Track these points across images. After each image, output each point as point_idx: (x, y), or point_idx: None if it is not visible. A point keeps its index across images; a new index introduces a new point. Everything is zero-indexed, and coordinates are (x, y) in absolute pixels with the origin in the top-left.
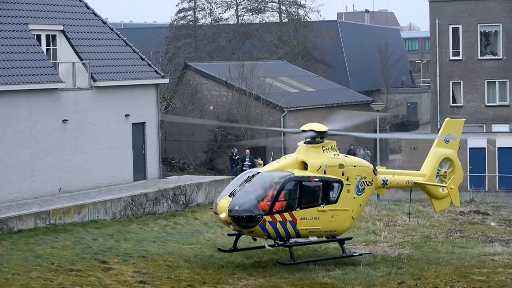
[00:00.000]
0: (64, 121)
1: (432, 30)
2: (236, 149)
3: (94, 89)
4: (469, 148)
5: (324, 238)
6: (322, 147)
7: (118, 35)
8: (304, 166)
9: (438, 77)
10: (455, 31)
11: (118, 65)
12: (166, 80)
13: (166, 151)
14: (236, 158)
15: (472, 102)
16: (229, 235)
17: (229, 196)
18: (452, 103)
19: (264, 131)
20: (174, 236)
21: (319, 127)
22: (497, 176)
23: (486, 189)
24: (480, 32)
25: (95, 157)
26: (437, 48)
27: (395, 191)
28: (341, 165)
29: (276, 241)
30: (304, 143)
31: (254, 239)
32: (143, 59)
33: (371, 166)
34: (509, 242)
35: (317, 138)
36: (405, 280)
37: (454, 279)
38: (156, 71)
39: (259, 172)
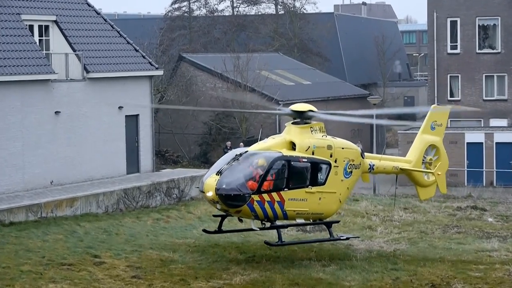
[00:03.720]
0: (57, 113)
1: (429, 23)
2: (230, 143)
3: (87, 80)
4: (467, 143)
5: (311, 221)
6: (310, 127)
7: (111, 26)
8: (292, 146)
9: (435, 70)
10: (453, 24)
11: (112, 56)
12: (160, 72)
13: (160, 144)
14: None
15: (470, 96)
16: (214, 216)
17: (216, 174)
18: (450, 97)
19: (260, 124)
20: (167, 230)
21: (306, 107)
22: (495, 172)
23: (484, 185)
24: (479, 25)
25: (88, 150)
26: (435, 41)
27: (390, 186)
28: (329, 147)
29: (263, 222)
30: (292, 123)
31: (240, 220)
32: (137, 51)
33: (358, 149)
34: (507, 238)
35: (305, 119)
36: (400, 276)
37: (451, 276)
38: (150, 62)
39: (247, 151)
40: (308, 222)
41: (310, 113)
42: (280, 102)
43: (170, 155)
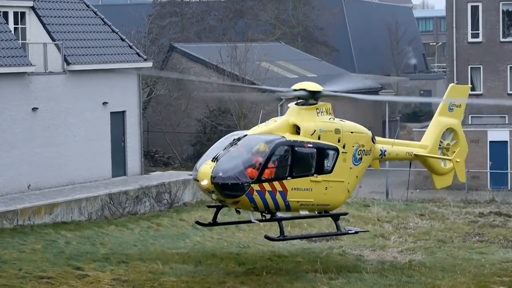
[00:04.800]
0: (34, 109)
1: (448, 8)
2: None
3: (68, 73)
4: (490, 142)
5: (316, 213)
6: (316, 109)
7: (95, 13)
8: (296, 130)
9: (455, 61)
10: (474, 9)
11: (95, 46)
12: (149, 64)
13: (149, 143)
14: None
15: (493, 89)
16: (208, 207)
17: (212, 161)
18: (471, 90)
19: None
20: (157, 240)
21: (312, 86)
22: None
23: (509, 188)
24: (503, 10)
25: (69, 150)
26: (454, 29)
27: (405, 190)
28: (337, 131)
29: (264, 214)
30: (296, 104)
31: (238, 212)
32: (123, 40)
33: (369, 133)
34: None
35: (310, 99)
36: None
37: None
38: (137, 53)
39: (246, 135)
40: (313, 214)
41: (326, 92)
42: (282, 97)
43: (160, 156)
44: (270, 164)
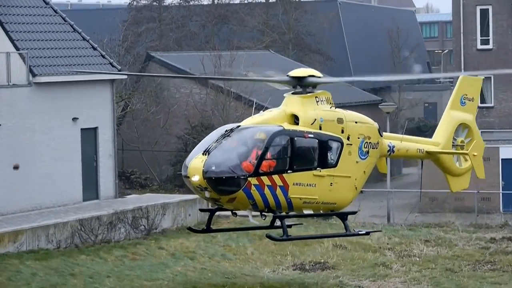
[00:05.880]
0: None
1: (455, 12)
2: None
3: (33, 86)
4: (502, 159)
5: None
6: (316, 97)
7: (63, 19)
8: (295, 120)
9: (463, 70)
10: (484, 13)
11: (64, 56)
12: (123, 75)
13: (124, 163)
14: None
15: (505, 102)
16: (201, 210)
17: (203, 154)
18: (481, 103)
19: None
20: (133, 270)
21: (309, 72)
22: None
23: None
24: None
25: (35, 171)
26: (462, 34)
27: (408, 214)
28: (340, 120)
29: (264, 212)
30: (293, 93)
31: (234, 214)
32: (95, 49)
33: (375, 124)
34: None
35: (308, 87)
36: None
37: None
38: (111, 63)
39: (239, 126)
40: (318, 213)
41: (312, 79)
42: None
43: (137, 177)
44: (268, 155)
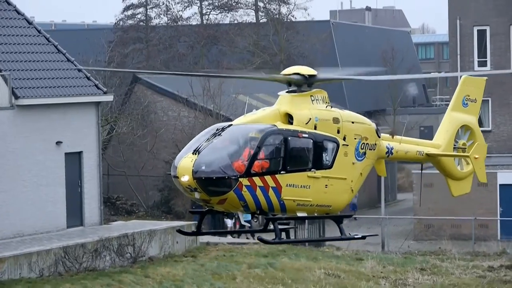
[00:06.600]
0: None
1: (451, 33)
2: None
3: (16, 108)
4: (499, 185)
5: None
6: (311, 96)
7: (47, 39)
8: (289, 119)
9: None
10: (481, 34)
11: (48, 77)
12: (109, 97)
13: (109, 189)
14: None
15: (503, 125)
16: (191, 212)
17: (193, 153)
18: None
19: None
20: None
21: (306, 69)
22: None
23: None
24: None
25: (17, 197)
26: (458, 56)
27: (403, 241)
28: (336, 120)
29: (255, 215)
30: (287, 92)
31: (225, 215)
32: (80, 70)
33: (373, 124)
34: None
35: (303, 85)
36: None
37: None
38: (96, 85)
39: (231, 125)
40: (313, 216)
41: (321, 76)
42: None
43: (123, 203)
44: (260, 155)
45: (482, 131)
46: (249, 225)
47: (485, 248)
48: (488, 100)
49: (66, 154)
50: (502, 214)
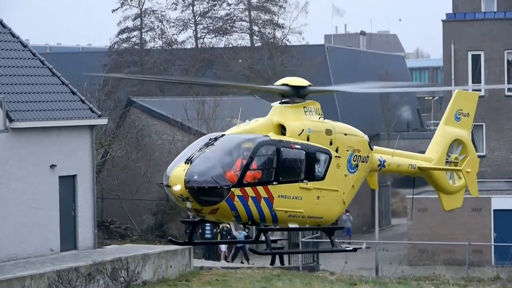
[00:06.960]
0: None
1: (446, 57)
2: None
3: (10, 131)
4: (493, 210)
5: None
6: (304, 107)
7: (42, 62)
8: (281, 130)
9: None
10: (476, 59)
11: (42, 100)
12: (103, 121)
13: (103, 212)
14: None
15: (498, 150)
16: (183, 222)
17: (185, 163)
18: None
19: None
20: None
21: (298, 81)
22: None
23: None
24: (508, 60)
25: (10, 220)
26: (453, 81)
27: (397, 266)
28: (328, 131)
29: (247, 225)
30: (280, 103)
31: (217, 225)
32: (74, 93)
33: (366, 137)
34: None
35: (295, 96)
36: None
37: None
38: (91, 109)
39: (223, 135)
40: (304, 227)
41: (313, 88)
42: None
43: (117, 227)
44: (253, 166)
45: (477, 156)
46: (241, 236)
47: (479, 274)
48: (482, 125)
49: (60, 177)
50: (496, 239)
